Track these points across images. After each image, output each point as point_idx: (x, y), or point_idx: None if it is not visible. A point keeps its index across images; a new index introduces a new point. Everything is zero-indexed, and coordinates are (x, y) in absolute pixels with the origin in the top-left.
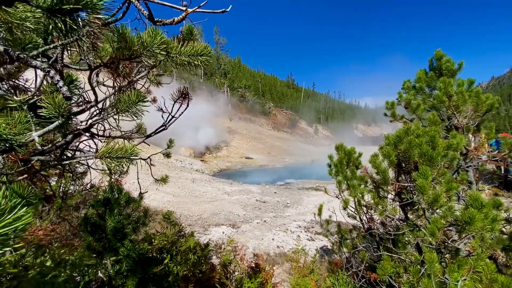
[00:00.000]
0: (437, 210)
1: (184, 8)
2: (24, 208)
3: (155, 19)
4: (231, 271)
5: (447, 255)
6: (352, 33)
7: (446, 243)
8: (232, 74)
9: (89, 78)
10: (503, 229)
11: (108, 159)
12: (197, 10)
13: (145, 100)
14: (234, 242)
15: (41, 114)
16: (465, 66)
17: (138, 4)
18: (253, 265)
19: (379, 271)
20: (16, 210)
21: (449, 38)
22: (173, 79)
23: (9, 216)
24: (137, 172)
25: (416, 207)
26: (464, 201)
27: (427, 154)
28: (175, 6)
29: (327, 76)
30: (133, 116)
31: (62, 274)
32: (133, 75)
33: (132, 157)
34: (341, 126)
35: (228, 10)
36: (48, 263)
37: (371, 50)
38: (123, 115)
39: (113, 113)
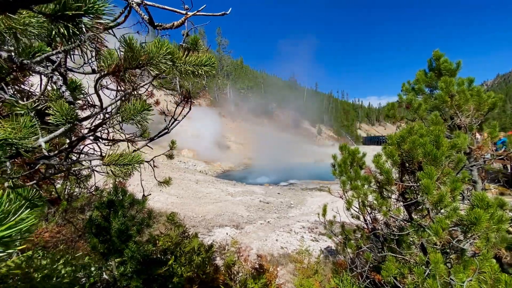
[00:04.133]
0: (442, 210)
1: (184, 12)
2: (27, 210)
3: (155, 24)
4: (235, 272)
5: (452, 256)
6: (354, 34)
7: (451, 244)
8: (234, 75)
9: (95, 86)
10: (510, 228)
11: (115, 166)
12: (197, 13)
13: (149, 109)
14: (237, 243)
15: (49, 121)
16: (469, 64)
17: (139, 9)
18: (257, 266)
19: (383, 272)
20: (20, 212)
21: (453, 37)
22: (176, 81)
23: (13, 218)
24: (140, 175)
25: (420, 207)
26: (469, 201)
27: (431, 154)
28: (176, 10)
29: (330, 76)
30: (137, 124)
31: (66, 275)
32: (137, 80)
33: (137, 164)
34: (344, 126)
35: (228, 12)
36: (54, 265)
37: (373, 50)
38: (128, 123)
39: (117, 121)
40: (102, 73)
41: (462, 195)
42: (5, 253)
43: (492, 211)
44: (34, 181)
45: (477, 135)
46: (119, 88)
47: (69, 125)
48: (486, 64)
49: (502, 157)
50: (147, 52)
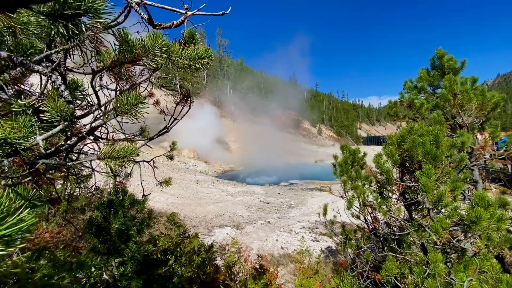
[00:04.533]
0: (443, 210)
1: (183, 11)
2: (28, 210)
3: (155, 23)
4: (235, 272)
5: (453, 255)
6: (355, 34)
7: (452, 243)
8: (235, 75)
9: (91, 82)
10: (511, 228)
11: (110, 160)
12: (196, 13)
13: (143, 102)
14: (238, 243)
15: (43, 118)
16: (469, 64)
17: (138, 8)
18: (257, 266)
19: (384, 272)
20: (20, 211)
21: (453, 37)
22: (176, 81)
23: (13, 217)
24: (140, 175)
25: (420, 206)
26: (470, 201)
27: (430, 153)
28: (175, 9)
29: (330, 76)
30: (132, 118)
31: (66, 276)
32: (135, 78)
33: (133, 157)
34: (344, 126)
35: (227, 12)
36: (54, 265)
37: (374, 50)
38: (123, 117)
39: (112, 116)
40: (98, 69)
41: (463, 195)
42: (5, 252)
43: (492, 209)
44: (33, 181)
45: (478, 135)
46: (118, 86)
47: (65, 122)
48: (486, 64)
49: (503, 156)
50: (142, 45)
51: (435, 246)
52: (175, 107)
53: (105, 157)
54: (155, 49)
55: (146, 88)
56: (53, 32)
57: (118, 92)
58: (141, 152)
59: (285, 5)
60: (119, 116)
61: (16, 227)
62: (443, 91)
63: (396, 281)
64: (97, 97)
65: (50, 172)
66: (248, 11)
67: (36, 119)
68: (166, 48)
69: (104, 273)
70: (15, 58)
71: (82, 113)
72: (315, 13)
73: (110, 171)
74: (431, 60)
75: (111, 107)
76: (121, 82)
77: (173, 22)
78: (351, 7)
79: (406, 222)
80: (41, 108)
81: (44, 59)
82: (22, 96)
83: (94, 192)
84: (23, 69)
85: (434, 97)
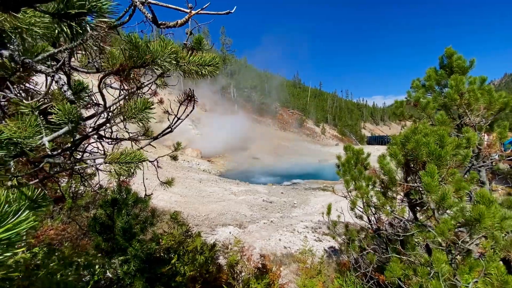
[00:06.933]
0: (448, 211)
1: (188, 10)
2: (27, 212)
3: (159, 22)
4: (238, 271)
5: (458, 257)
6: (359, 33)
7: (457, 244)
8: (238, 74)
9: (99, 85)
10: None
11: (117, 164)
12: (201, 12)
13: (151, 107)
14: (241, 242)
15: (51, 120)
16: (476, 63)
17: (143, 7)
18: (260, 266)
19: (387, 273)
20: (19, 213)
21: (455, 36)
22: (180, 80)
23: (11, 221)
24: (143, 174)
25: (425, 207)
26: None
27: (435, 153)
28: (179, 8)
29: (334, 75)
30: (139, 123)
31: (70, 274)
32: (141, 79)
33: (139, 162)
34: (348, 126)
35: (232, 11)
36: (58, 263)
37: (376, 49)
38: (130, 122)
39: (119, 120)
40: (106, 72)
41: (470, 196)
42: (3, 256)
43: (494, 207)
44: (37, 180)
45: (485, 136)
46: (122, 86)
47: (72, 124)
48: (493, 63)
49: (510, 157)
50: (152, 51)
51: (440, 247)
52: (179, 107)
53: (113, 162)
54: (165, 55)
55: (150, 88)
56: (57, 32)
57: (125, 95)
58: (144, 152)
59: (287, 4)
60: (126, 121)
61: (15, 230)
62: (449, 90)
63: (400, 282)
64: (103, 98)
65: (56, 171)
66: (249, 10)
67: (42, 119)
68: (175, 54)
69: (107, 271)
70: (17, 58)
71: (88, 112)
72: (317, 12)
73: (114, 171)
74: (440, 59)
75: (118, 109)
76: (126, 83)
77: (177, 21)
78: (353, 6)
79: (410, 223)
80: (48, 109)
81: (48, 58)
82: (29, 96)
83: (98, 191)
84: (25, 69)
85: (441, 97)
